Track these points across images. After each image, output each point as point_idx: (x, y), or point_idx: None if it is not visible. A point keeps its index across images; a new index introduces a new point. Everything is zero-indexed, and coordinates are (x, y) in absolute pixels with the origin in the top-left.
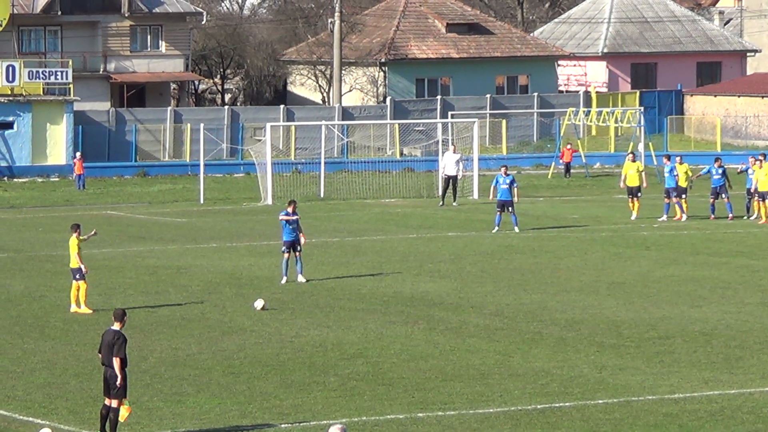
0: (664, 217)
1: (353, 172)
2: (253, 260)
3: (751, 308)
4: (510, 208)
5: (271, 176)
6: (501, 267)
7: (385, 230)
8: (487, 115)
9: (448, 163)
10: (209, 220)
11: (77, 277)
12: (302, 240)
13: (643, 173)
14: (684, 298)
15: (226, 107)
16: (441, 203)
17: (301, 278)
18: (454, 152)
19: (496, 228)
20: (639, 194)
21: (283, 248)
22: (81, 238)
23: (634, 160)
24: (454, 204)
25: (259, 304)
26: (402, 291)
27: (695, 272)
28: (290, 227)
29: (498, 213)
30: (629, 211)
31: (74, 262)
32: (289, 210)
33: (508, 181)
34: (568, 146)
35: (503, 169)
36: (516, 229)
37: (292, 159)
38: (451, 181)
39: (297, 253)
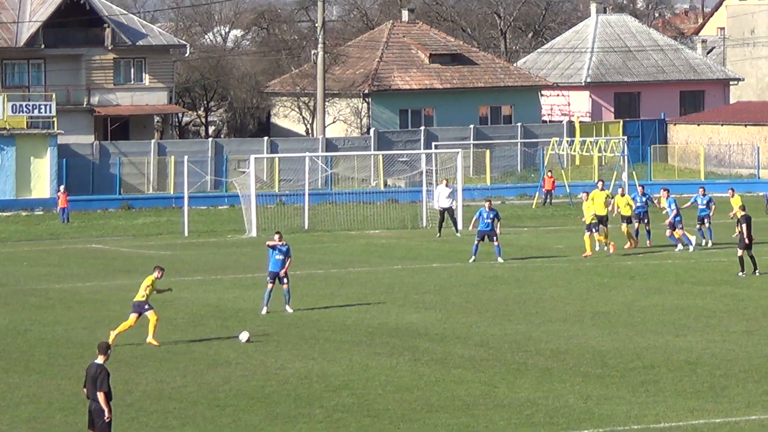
0: (709, 242)
1: (337, 203)
2: (238, 293)
3: (735, 337)
4: (494, 238)
5: (256, 208)
6: (486, 297)
7: (369, 262)
8: (471, 145)
9: (441, 196)
10: (193, 253)
11: (144, 308)
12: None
13: (612, 200)
14: (669, 327)
15: (210, 139)
16: (438, 235)
17: (288, 309)
18: (447, 186)
19: (473, 257)
20: (606, 224)
21: (268, 278)
22: (157, 281)
23: (603, 189)
24: (458, 235)
25: (244, 336)
26: (387, 322)
27: (680, 301)
28: (277, 258)
29: (477, 242)
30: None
31: (140, 296)
32: (276, 238)
33: (492, 215)
34: (549, 174)
35: (487, 204)
36: (500, 259)
37: (277, 191)
38: (446, 213)
39: (284, 285)
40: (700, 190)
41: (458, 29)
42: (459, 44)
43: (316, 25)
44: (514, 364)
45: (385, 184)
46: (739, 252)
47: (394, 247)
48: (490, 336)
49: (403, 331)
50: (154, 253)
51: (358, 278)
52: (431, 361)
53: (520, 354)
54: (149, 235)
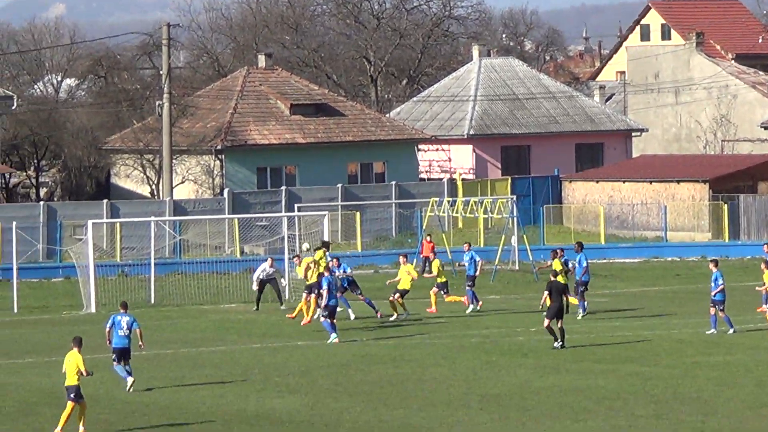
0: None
1: (188, 274)
2: None
3: (643, 422)
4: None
5: (95, 280)
6: (358, 379)
7: (225, 340)
8: (339, 207)
9: (266, 272)
10: (24, 332)
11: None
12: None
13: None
14: (566, 411)
15: (42, 203)
16: (256, 308)
17: (130, 380)
18: (271, 265)
19: (335, 336)
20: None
21: (113, 356)
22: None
23: (406, 262)
24: (282, 308)
25: None
26: (245, 408)
27: (579, 381)
28: (121, 332)
29: (330, 322)
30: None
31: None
32: (122, 311)
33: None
34: (428, 238)
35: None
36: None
37: (118, 260)
38: (270, 284)
39: (127, 362)
40: (465, 246)
41: (323, 76)
42: (324, 93)
43: (161, 72)
44: None
45: (242, 252)
46: (546, 322)
47: (252, 322)
48: (363, 423)
49: (263, 417)
50: None
51: (211, 359)
52: None
53: None
54: None
